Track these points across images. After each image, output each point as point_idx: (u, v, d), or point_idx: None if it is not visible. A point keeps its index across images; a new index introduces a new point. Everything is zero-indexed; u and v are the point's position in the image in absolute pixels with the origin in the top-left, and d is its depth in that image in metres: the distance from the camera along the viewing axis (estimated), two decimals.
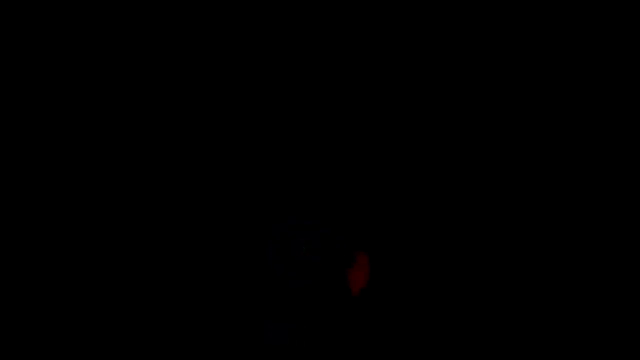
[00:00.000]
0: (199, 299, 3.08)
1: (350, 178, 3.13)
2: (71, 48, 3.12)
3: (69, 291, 3.06)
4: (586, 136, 3.08)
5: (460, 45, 3.12)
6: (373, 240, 3.10)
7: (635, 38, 3.05)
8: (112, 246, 3.09)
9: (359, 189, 3.13)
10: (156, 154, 3.13)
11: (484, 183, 3.10)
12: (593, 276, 3.03)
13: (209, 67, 3.16)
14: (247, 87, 3.16)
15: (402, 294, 3.08)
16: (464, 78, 3.13)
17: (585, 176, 3.07)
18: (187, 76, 3.15)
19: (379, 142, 3.14)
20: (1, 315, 3.02)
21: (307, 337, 2.92)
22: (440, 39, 3.12)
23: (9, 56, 3.10)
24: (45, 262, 3.07)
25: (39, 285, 3.06)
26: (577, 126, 3.09)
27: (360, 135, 3.14)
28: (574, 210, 3.06)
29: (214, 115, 3.15)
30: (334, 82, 3.14)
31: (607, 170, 3.06)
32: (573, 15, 3.08)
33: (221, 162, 3.14)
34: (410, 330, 3.05)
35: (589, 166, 3.07)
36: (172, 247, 3.10)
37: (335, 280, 3.08)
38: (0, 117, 3.09)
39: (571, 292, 3.03)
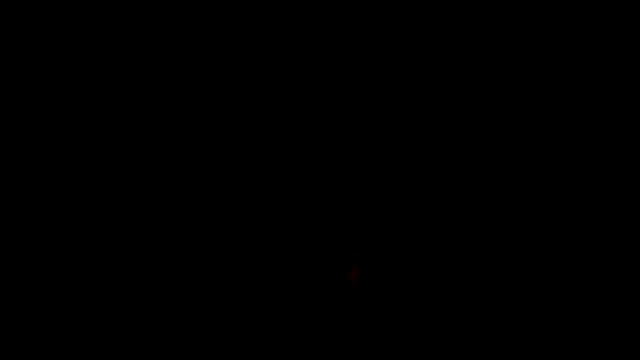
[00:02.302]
0: (200, 298, 3.08)
1: (350, 179, 3.13)
2: (71, 48, 3.13)
3: (69, 291, 3.07)
4: (586, 136, 3.09)
5: (458, 45, 3.13)
6: (372, 240, 3.11)
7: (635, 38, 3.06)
8: (112, 246, 3.09)
9: (359, 190, 3.13)
10: (155, 155, 3.13)
11: (482, 183, 3.11)
12: (590, 276, 3.04)
13: (209, 69, 3.16)
14: (246, 88, 3.16)
15: (401, 293, 3.09)
16: (463, 78, 3.13)
17: (584, 176, 3.08)
18: (188, 77, 3.16)
19: (378, 144, 3.14)
20: (1, 315, 3.03)
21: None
22: (438, 39, 3.13)
23: (9, 56, 3.10)
24: (46, 261, 3.07)
25: (39, 284, 3.06)
26: (576, 126, 3.10)
27: (360, 136, 3.14)
28: (573, 210, 3.07)
29: (214, 115, 3.16)
30: (332, 84, 3.15)
31: (608, 170, 3.07)
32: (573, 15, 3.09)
33: (221, 161, 3.14)
34: (410, 330, 3.05)
35: (588, 166, 3.08)
36: (172, 246, 3.11)
37: (335, 280, 3.09)
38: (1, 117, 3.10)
39: (570, 292, 3.04)
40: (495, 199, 3.10)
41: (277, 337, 3.04)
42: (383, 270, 3.09)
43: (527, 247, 3.07)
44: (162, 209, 3.11)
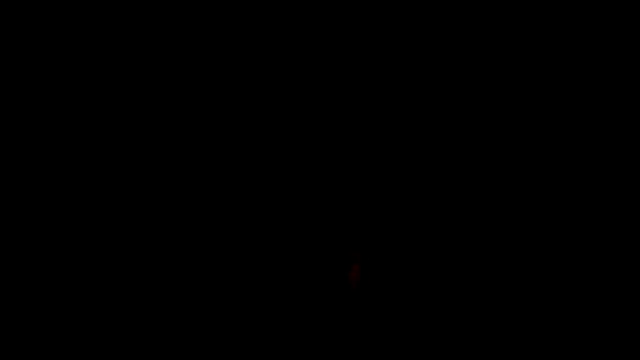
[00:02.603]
0: (200, 298, 3.08)
1: (350, 180, 3.14)
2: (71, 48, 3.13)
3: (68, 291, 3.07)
4: (585, 136, 3.09)
5: (456, 45, 3.13)
6: (372, 240, 3.11)
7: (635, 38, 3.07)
8: (112, 246, 3.10)
9: (359, 190, 3.13)
10: (156, 155, 3.14)
11: (481, 184, 3.11)
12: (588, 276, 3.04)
13: (210, 69, 3.17)
14: (247, 89, 3.17)
15: (401, 293, 3.09)
16: (463, 79, 3.14)
17: (581, 176, 3.08)
18: (190, 78, 3.16)
19: (378, 145, 3.14)
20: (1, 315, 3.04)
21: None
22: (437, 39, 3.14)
23: (9, 56, 3.11)
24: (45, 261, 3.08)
25: (39, 285, 3.07)
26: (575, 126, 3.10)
27: (360, 137, 3.15)
28: (573, 210, 3.07)
29: (215, 116, 3.16)
30: (332, 84, 3.15)
31: (607, 170, 3.07)
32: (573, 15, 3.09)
33: (221, 162, 3.15)
34: (409, 329, 3.05)
35: (585, 166, 3.08)
36: (173, 247, 3.11)
37: (335, 280, 3.09)
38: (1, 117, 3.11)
39: (569, 292, 3.04)
40: (494, 199, 3.10)
41: (278, 336, 3.04)
42: (383, 270, 3.10)
43: (526, 247, 3.07)
44: (162, 209, 3.11)
